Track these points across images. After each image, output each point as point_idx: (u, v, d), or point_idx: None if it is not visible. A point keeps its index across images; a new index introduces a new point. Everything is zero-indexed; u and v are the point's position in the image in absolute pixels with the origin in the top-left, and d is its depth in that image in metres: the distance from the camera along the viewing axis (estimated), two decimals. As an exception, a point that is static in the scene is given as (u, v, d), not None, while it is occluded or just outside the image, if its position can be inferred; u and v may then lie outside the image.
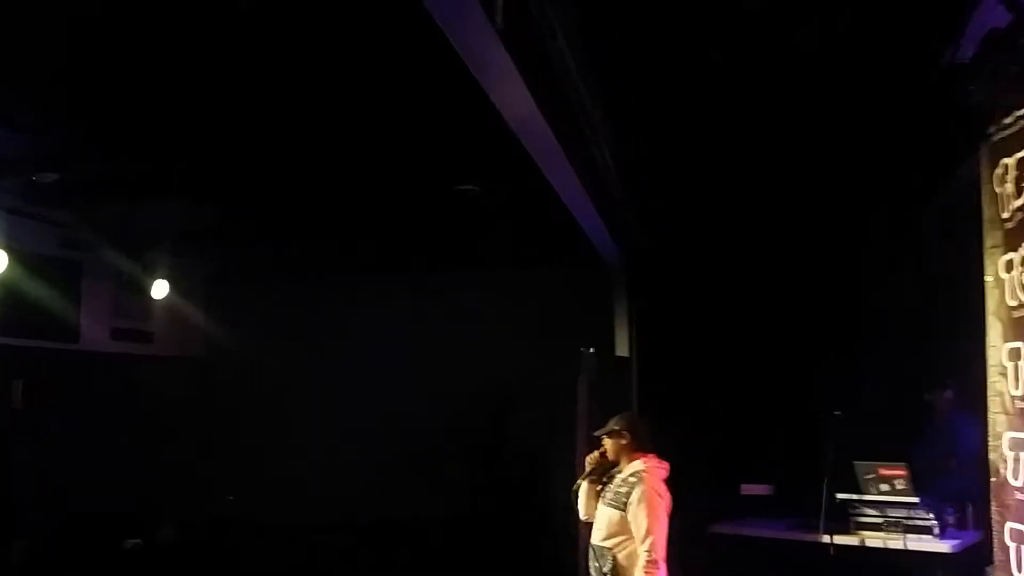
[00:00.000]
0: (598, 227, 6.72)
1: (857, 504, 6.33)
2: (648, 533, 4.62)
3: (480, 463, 8.87)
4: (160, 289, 8.64)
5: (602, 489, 5.01)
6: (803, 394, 7.51)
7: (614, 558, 4.75)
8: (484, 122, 4.72)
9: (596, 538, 4.89)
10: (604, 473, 5.06)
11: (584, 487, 5.10)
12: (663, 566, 4.66)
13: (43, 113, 5.71)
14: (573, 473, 7.23)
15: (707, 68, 5.31)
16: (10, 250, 6.91)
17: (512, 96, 4.05)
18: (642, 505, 4.68)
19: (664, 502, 4.79)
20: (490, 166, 6.66)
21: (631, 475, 4.85)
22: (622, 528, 4.75)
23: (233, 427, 9.23)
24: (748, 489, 7.52)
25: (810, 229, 7.59)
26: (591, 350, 7.55)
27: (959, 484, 6.38)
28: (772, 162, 6.77)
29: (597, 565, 4.83)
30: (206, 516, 8.63)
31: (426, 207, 7.84)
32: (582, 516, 5.15)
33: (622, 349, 8.22)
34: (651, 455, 4.98)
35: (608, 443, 5.02)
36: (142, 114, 5.83)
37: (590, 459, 5.10)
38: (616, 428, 5.03)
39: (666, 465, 4.99)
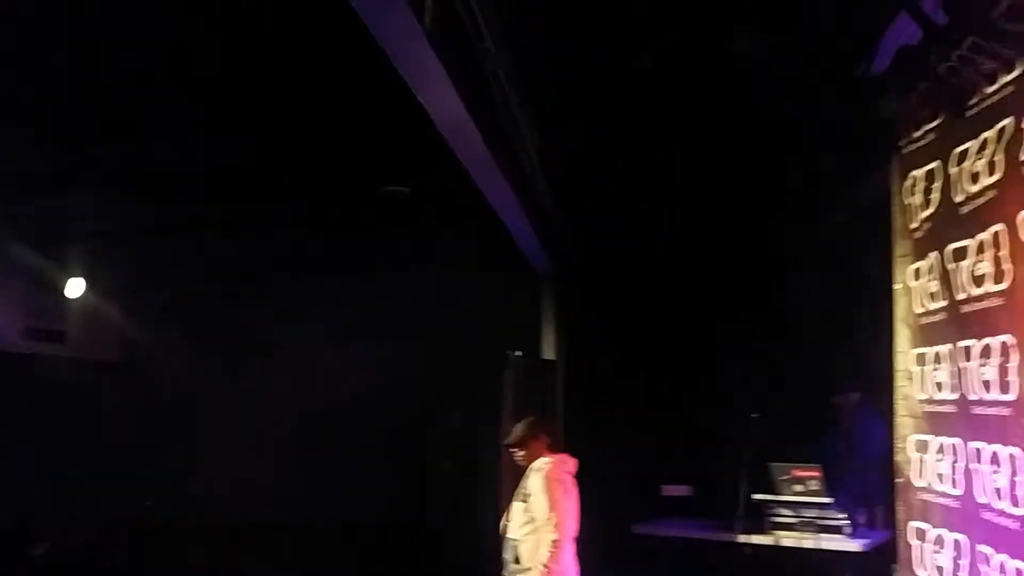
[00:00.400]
0: (527, 232, 6.76)
1: (772, 504, 6.47)
2: (549, 516, 4.83)
3: (405, 465, 8.82)
4: (75, 288, 8.38)
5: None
6: (722, 397, 7.69)
7: (516, 547, 4.95)
8: (414, 124, 4.73)
9: (507, 531, 5.12)
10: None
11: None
12: (567, 548, 4.87)
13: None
14: (496, 475, 7.30)
15: (634, 76, 5.41)
16: (-84, 244, 6.63)
17: (441, 99, 4.06)
18: (540, 492, 4.91)
19: (563, 488, 4.97)
20: (420, 169, 6.65)
21: (535, 471, 5.07)
22: (526, 519, 4.96)
23: (150, 430, 8.99)
24: (668, 490, 7.67)
25: (731, 236, 7.77)
26: (518, 353, 7.60)
27: (866, 485, 6.60)
28: (697, 169, 6.92)
29: (506, 557, 5.02)
30: (119, 521, 8.39)
31: (356, 208, 7.78)
32: (501, 530, 5.32)
33: (548, 352, 8.29)
34: (559, 454, 5.20)
35: (526, 451, 5.21)
36: (60, 106, 5.66)
37: None
38: (526, 433, 5.23)
39: (571, 461, 5.21)
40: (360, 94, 5.47)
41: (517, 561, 4.99)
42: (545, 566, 4.77)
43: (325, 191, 7.49)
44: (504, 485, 7.29)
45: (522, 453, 5.21)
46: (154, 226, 8.19)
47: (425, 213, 7.85)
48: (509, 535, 5.09)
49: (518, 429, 5.30)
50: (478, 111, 4.34)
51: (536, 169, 5.80)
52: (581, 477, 6.81)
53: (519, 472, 5.24)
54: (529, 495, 4.98)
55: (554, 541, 4.79)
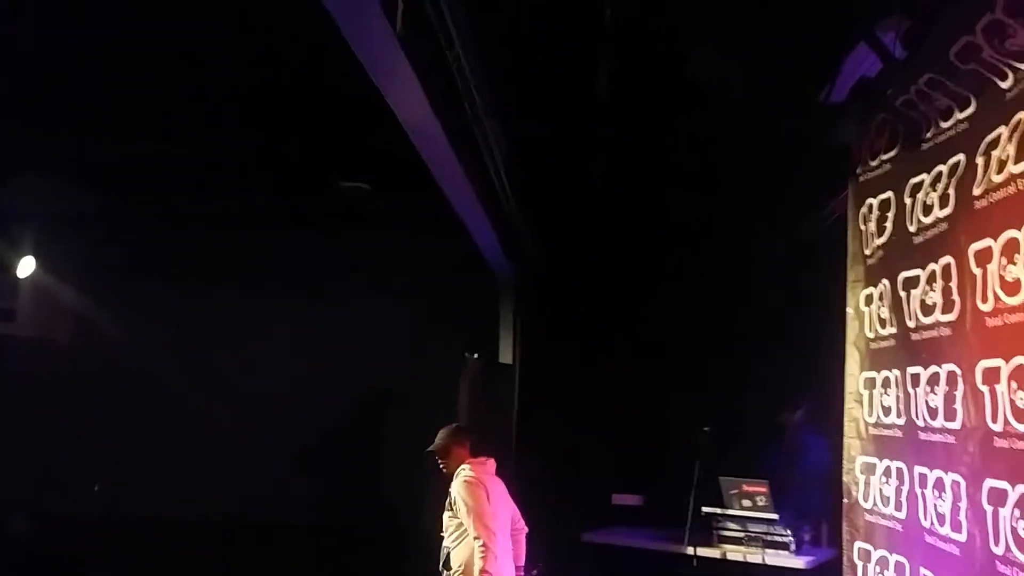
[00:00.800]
0: (488, 235, 6.75)
1: (721, 518, 6.54)
2: (472, 517, 4.82)
3: (359, 466, 8.75)
4: (26, 267, 8.21)
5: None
6: (675, 408, 7.75)
7: (448, 553, 5.01)
8: (377, 120, 4.70)
9: (444, 539, 5.12)
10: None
11: None
12: (502, 546, 4.88)
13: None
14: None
15: (593, 90, 5.45)
16: None
17: (408, 100, 4.05)
18: (460, 497, 4.92)
19: (485, 491, 4.96)
20: (382, 166, 6.62)
21: (456, 477, 5.08)
22: (454, 525, 4.99)
23: (97, 416, 8.82)
24: (619, 499, 7.71)
25: (689, 249, 7.84)
26: (475, 355, 7.60)
27: (810, 502, 6.68)
28: (658, 180, 6.96)
29: (442, 565, 5.08)
30: (64, 507, 8.23)
31: (314, 204, 7.71)
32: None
33: (506, 356, 8.29)
34: (480, 457, 5.21)
35: (447, 458, 5.21)
36: (13, 88, 5.54)
37: None
38: (449, 441, 5.23)
39: (491, 461, 5.24)
40: (323, 89, 5.44)
41: (448, 567, 5.03)
42: (483, 571, 4.73)
43: (286, 185, 7.42)
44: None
45: (444, 460, 5.23)
46: (110, 211, 8.05)
47: (385, 211, 7.81)
48: (445, 543, 5.12)
49: (441, 436, 5.30)
50: (444, 113, 4.33)
51: (499, 172, 5.79)
52: (533, 482, 6.86)
53: (446, 481, 5.22)
54: (454, 502, 5.00)
55: (483, 546, 4.77)
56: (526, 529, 5.53)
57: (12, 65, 5.17)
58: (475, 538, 4.80)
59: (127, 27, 4.74)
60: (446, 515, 5.10)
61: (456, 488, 5.00)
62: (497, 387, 7.93)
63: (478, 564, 4.75)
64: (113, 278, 8.75)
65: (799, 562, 6.21)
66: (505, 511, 5.20)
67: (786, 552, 6.29)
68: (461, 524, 4.94)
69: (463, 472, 5.08)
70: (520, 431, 8.03)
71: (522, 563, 5.48)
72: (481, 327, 8.29)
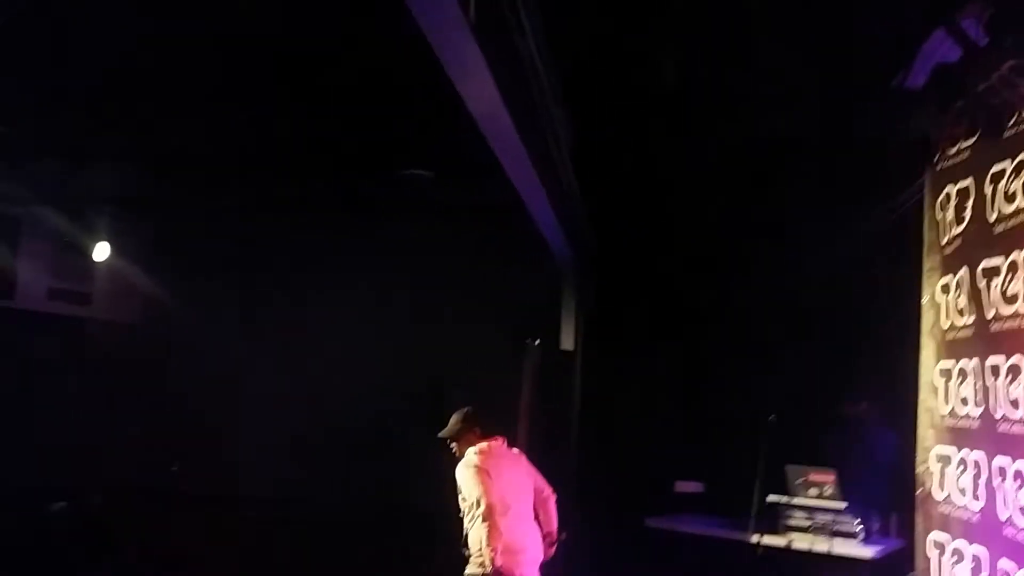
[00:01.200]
0: (551, 222, 6.74)
1: (787, 507, 6.49)
2: (474, 497, 4.91)
3: (420, 453, 8.84)
4: (101, 251, 8.46)
5: None
6: (740, 396, 7.68)
7: (466, 535, 5.07)
8: (448, 110, 4.74)
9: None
10: None
11: None
12: (515, 526, 5.01)
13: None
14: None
15: (661, 78, 5.41)
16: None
17: (478, 89, 4.06)
18: (465, 482, 5.01)
19: (479, 469, 5.01)
20: (447, 153, 6.66)
21: (461, 462, 5.16)
22: (466, 508, 5.06)
23: (167, 395, 9.08)
24: (682, 486, 7.68)
25: (756, 236, 7.74)
26: (536, 342, 7.62)
27: (875, 491, 6.59)
28: (725, 168, 6.89)
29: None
30: (137, 484, 8.48)
31: (377, 191, 7.79)
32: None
33: (567, 343, 8.28)
34: (489, 440, 5.27)
35: (460, 442, 5.29)
36: (88, 70, 5.69)
37: None
38: (462, 426, 5.30)
39: (497, 440, 5.28)
40: (390, 76, 5.49)
41: (466, 547, 5.11)
42: (489, 547, 4.85)
43: (350, 171, 7.51)
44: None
45: (456, 445, 5.30)
46: (180, 195, 8.25)
47: (449, 198, 7.86)
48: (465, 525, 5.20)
49: (453, 421, 5.37)
50: (513, 102, 4.33)
51: (564, 158, 5.79)
52: (595, 469, 6.85)
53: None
54: (460, 484, 5.09)
55: (487, 524, 4.86)
56: (553, 495, 5.58)
57: (84, 54, 5.32)
58: (482, 519, 4.88)
59: (194, 13, 4.82)
60: (459, 498, 5.16)
61: (459, 474, 5.08)
62: (558, 374, 7.95)
63: (484, 540, 4.87)
64: (182, 261, 8.97)
65: (867, 552, 6.13)
66: (515, 485, 5.25)
67: (854, 541, 6.22)
68: (470, 507, 5.03)
69: (466, 456, 5.16)
70: (582, 418, 8.04)
71: (554, 527, 5.55)
72: (542, 315, 8.29)
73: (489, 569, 4.89)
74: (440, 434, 5.36)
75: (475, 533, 4.99)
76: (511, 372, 7.39)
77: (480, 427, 5.33)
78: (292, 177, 7.60)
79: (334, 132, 6.59)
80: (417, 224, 8.26)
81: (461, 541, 5.16)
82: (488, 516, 4.86)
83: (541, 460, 7.45)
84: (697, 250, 8.00)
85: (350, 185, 7.68)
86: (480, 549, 4.92)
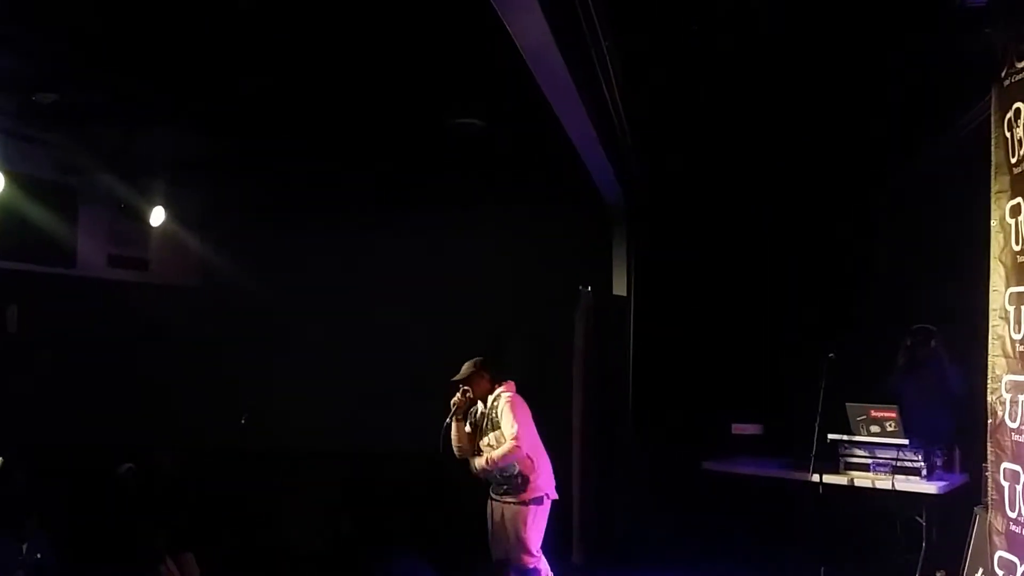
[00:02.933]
0: (603, 165, 6.68)
1: (847, 445, 6.44)
2: (515, 429, 5.50)
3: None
4: (157, 216, 8.58)
5: (473, 430, 5.83)
6: (796, 334, 7.60)
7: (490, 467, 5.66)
8: (494, 53, 4.69)
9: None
10: (467, 413, 5.87)
11: (454, 426, 5.86)
12: (525, 451, 5.55)
13: (44, 33, 5.59)
14: (567, 409, 7.34)
15: (714, 11, 5.28)
16: (6, 173, 6.81)
17: (528, 24, 3.99)
18: (505, 411, 5.60)
19: (523, 405, 5.72)
20: (497, 99, 6.60)
21: (494, 400, 5.71)
22: (501, 442, 5.60)
23: (229, 356, 9.23)
24: (739, 428, 7.65)
25: (811, 171, 7.58)
26: (588, 288, 7.58)
27: (943, 427, 6.50)
28: (775, 101, 6.73)
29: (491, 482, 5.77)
30: (201, 443, 8.67)
31: (427, 140, 7.78)
32: (457, 455, 5.89)
33: (620, 288, 8.24)
34: (507, 382, 5.81)
35: (475, 382, 5.77)
36: (143, 36, 5.73)
37: (455, 401, 5.83)
38: (474, 371, 5.78)
39: (508, 385, 5.81)
40: (434, 25, 5.44)
41: (497, 481, 5.75)
42: (494, 460, 5.58)
43: (398, 124, 7.49)
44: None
45: (471, 388, 5.77)
46: (232, 156, 8.32)
47: (498, 147, 7.82)
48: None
49: (466, 367, 5.81)
50: (564, 39, 4.26)
51: (615, 97, 5.70)
52: (652, 413, 6.86)
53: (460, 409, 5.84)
54: (497, 420, 5.63)
55: (515, 447, 5.48)
56: None
57: (132, 16, 5.35)
58: (516, 445, 5.48)
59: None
60: (492, 433, 5.67)
61: (501, 405, 5.63)
62: (612, 319, 7.91)
63: (518, 462, 5.55)
64: (236, 222, 9.07)
65: (931, 487, 6.08)
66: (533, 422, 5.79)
67: (917, 478, 6.16)
68: (501, 437, 5.59)
69: (503, 395, 5.68)
70: (636, 362, 8.02)
71: None
72: (594, 259, 8.25)
73: (539, 493, 5.63)
74: (453, 379, 5.80)
75: (515, 463, 5.56)
76: (565, 319, 7.36)
77: (491, 373, 5.80)
78: (344, 133, 7.60)
79: (386, 84, 6.56)
80: (468, 174, 8.24)
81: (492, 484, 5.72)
82: (519, 441, 5.48)
83: (597, 406, 7.51)
84: (752, 187, 7.87)
85: (401, 137, 7.66)
86: (517, 474, 5.57)
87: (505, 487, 5.70)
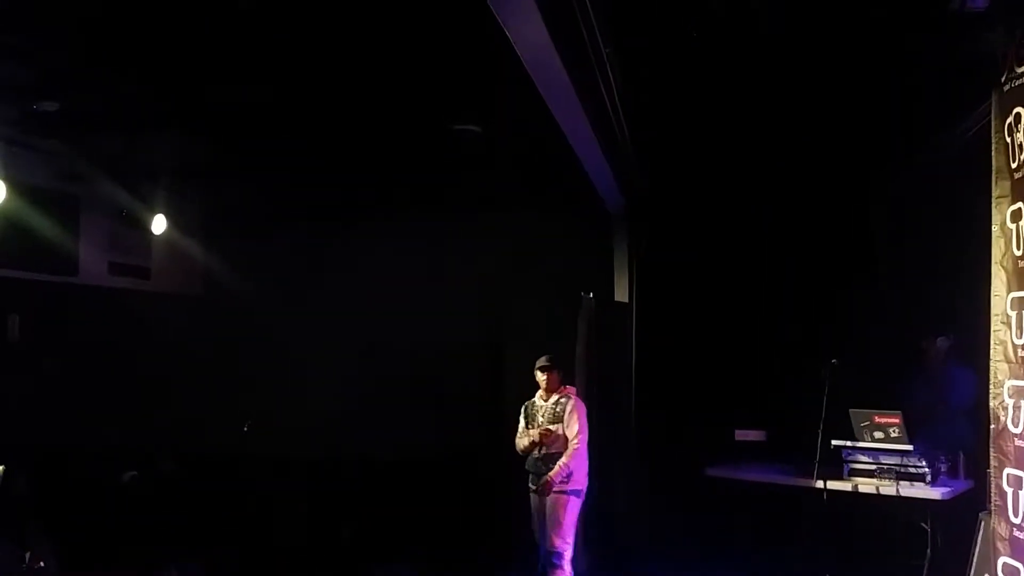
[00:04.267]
0: (603, 170, 6.67)
1: (851, 451, 6.42)
2: (579, 431, 6.23)
3: (475, 405, 8.92)
4: (159, 224, 8.58)
5: (526, 420, 6.48)
6: (799, 341, 7.57)
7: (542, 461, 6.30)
8: (495, 59, 4.69)
9: (538, 454, 6.35)
10: (525, 406, 6.58)
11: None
12: (585, 452, 6.27)
13: (46, 41, 5.61)
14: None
15: (710, 13, 5.27)
16: (8, 181, 6.82)
17: (528, 30, 3.98)
18: (573, 413, 6.29)
19: (584, 409, 6.40)
20: (496, 105, 6.60)
21: (561, 398, 6.38)
22: (559, 435, 6.29)
23: (230, 364, 9.23)
24: (742, 435, 7.62)
25: (812, 178, 7.57)
26: (590, 295, 7.57)
27: (950, 433, 6.47)
28: (777, 105, 6.72)
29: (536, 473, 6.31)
30: (204, 449, 8.66)
31: (428, 145, 7.78)
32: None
33: (621, 295, 8.22)
34: (571, 386, 6.59)
35: (551, 374, 6.38)
36: (145, 44, 5.74)
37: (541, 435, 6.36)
38: (552, 365, 6.43)
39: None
40: (434, 31, 5.44)
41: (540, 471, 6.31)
42: (567, 465, 6.19)
43: (397, 130, 7.50)
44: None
45: (547, 377, 6.38)
46: (232, 164, 8.33)
47: (499, 152, 7.81)
48: (542, 452, 6.32)
49: (552, 360, 6.46)
50: (562, 41, 4.26)
51: (615, 102, 5.69)
52: (655, 419, 6.89)
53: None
54: (566, 417, 6.29)
55: (577, 450, 6.21)
56: None
57: (132, 24, 5.36)
58: (576, 447, 6.21)
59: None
60: (554, 427, 6.28)
61: (570, 407, 6.30)
62: (614, 325, 7.89)
63: (572, 460, 6.21)
64: (237, 229, 9.07)
65: (935, 493, 6.05)
66: None
67: (921, 483, 6.14)
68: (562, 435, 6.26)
69: (572, 398, 6.39)
70: (639, 369, 8.00)
71: None
72: (596, 266, 8.24)
73: (578, 486, 6.25)
74: (544, 362, 6.40)
75: (572, 459, 6.20)
76: (567, 324, 7.36)
77: (561, 372, 6.49)
78: (345, 140, 7.61)
79: (383, 91, 6.56)
80: (469, 180, 8.24)
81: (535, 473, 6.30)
82: (580, 444, 6.22)
83: (600, 412, 7.48)
84: (753, 192, 7.85)
85: (401, 144, 7.66)
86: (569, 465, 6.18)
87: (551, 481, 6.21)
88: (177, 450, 8.49)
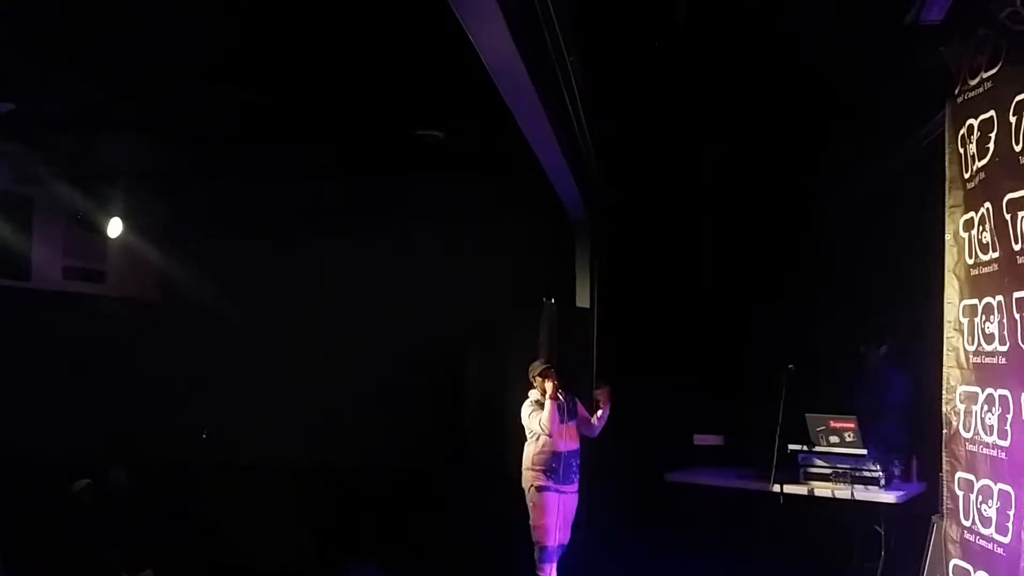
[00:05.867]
0: (565, 178, 6.71)
1: (807, 455, 6.51)
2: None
3: (436, 410, 8.91)
4: (114, 228, 8.43)
5: (561, 413, 6.52)
6: (756, 347, 7.69)
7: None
8: (457, 65, 4.70)
9: (568, 447, 6.55)
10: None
11: (551, 407, 6.46)
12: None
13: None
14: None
15: (672, 25, 5.35)
16: (-41, 183, 6.68)
17: (492, 36, 4.00)
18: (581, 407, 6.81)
19: None
20: (459, 111, 6.62)
21: (568, 397, 6.62)
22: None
23: (188, 370, 9.10)
24: (701, 439, 7.71)
25: (769, 185, 7.70)
26: (552, 300, 7.60)
27: (895, 436, 6.60)
28: (737, 117, 6.83)
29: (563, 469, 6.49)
30: (159, 459, 8.53)
31: (391, 150, 7.76)
32: (553, 432, 6.47)
33: (583, 300, 8.27)
34: None
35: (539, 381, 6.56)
36: (103, 45, 5.66)
37: (555, 385, 6.52)
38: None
39: None
40: (396, 36, 5.44)
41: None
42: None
43: (359, 135, 7.48)
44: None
45: (543, 380, 6.55)
46: (191, 167, 8.23)
47: (460, 158, 7.83)
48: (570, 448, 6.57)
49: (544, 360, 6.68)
50: (527, 49, 4.28)
51: (578, 111, 5.74)
52: (615, 424, 6.95)
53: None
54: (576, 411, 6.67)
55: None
56: None
57: (94, 19, 5.28)
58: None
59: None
60: (571, 423, 6.56)
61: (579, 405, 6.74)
62: (575, 331, 7.94)
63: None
64: (195, 234, 8.96)
65: (889, 497, 6.17)
66: None
67: (876, 487, 6.26)
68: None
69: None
70: (599, 374, 8.05)
71: None
72: (558, 272, 8.28)
73: None
74: (549, 367, 6.58)
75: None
76: (527, 330, 7.38)
77: None
78: (304, 143, 7.56)
79: (345, 95, 6.54)
80: (429, 185, 8.23)
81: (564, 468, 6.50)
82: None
83: (559, 417, 7.50)
84: (712, 199, 7.97)
85: (361, 148, 7.64)
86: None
87: (577, 475, 6.58)
88: (132, 458, 8.34)
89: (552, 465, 6.46)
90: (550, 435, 6.46)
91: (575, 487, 6.62)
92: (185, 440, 8.57)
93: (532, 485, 6.51)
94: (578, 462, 6.60)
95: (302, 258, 9.11)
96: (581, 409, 6.78)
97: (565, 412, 6.56)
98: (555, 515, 6.48)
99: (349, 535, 8.14)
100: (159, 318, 9.32)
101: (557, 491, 6.48)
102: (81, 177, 8.01)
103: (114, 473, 8.23)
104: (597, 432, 6.82)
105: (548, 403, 6.46)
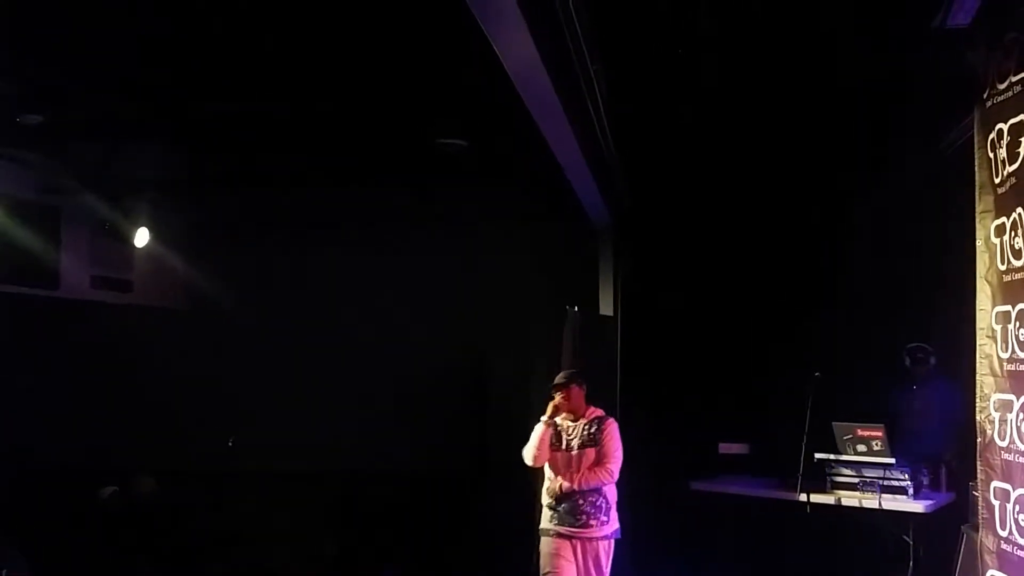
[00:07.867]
0: (589, 185, 6.69)
1: (834, 464, 6.44)
2: (614, 458, 5.46)
3: (460, 418, 8.91)
4: (141, 237, 8.51)
5: (557, 440, 5.58)
6: (783, 355, 7.61)
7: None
8: (481, 73, 4.71)
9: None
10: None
11: (544, 430, 5.57)
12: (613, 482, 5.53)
13: (27, 53, 5.57)
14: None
15: (699, 34, 5.34)
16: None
17: (515, 44, 3.99)
18: (612, 437, 5.51)
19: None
20: (483, 119, 6.63)
21: (595, 419, 5.59)
22: (596, 461, 5.47)
23: (214, 378, 9.16)
24: (726, 448, 7.64)
25: (795, 192, 7.64)
26: (575, 308, 7.58)
27: (932, 446, 6.51)
28: (759, 125, 6.80)
29: (568, 506, 5.45)
30: (185, 466, 8.58)
31: (416, 158, 7.79)
32: (536, 462, 5.60)
33: (606, 308, 8.24)
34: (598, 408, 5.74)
35: (574, 392, 5.59)
36: (128, 56, 5.72)
37: (556, 403, 5.60)
38: (574, 383, 5.64)
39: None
40: (420, 45, 5.46)
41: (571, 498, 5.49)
42: (588, 481, 5.43)
43: (386, 144, 7.51)
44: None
45: (569, 398, 5.58)
46: (216, 176, 8.30)
47: (484, 166, 7.84)
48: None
49: (566, 376, 5.72)
50: (550, 56, 4.27)
51: (601, 118, 5.72)
52: (639, 432, 6.89)
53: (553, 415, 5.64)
54: (600, 439, 5.49)
55: (609, 478, 5.45)
56: None
57: (113, 32, 5.34)
58: (610, 472, 5.43)
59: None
60: (585, 450, 5.47)
61: (608, 432, 5.50)
62: (599, 339, 7.91)
63: (595, 482, 5.42)
64: (221, 242, 9.02)
65: (918, 506, 6.08)
66: None
67: (904, 496, 6.16)
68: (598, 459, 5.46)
69: (609, 419, 5.61)
70: (624, 382, 8.01)
71: None
72: (581, 280, 8.26)
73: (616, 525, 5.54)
74: (560, 378, 5.68)
75: (598, 477, 5.44)
76: (551, 338, 7.36)
77: (586, 389, 5.70)
78: (329, 149, 7.61)
79: (373, 103, 6.58)
80: (453, 193, 8.25)
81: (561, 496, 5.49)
82: (616, 470, 5.47)
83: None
84: (738, 205, 7.90)
85: (387, 157, 7.67)
86: (604, 496, 5.47)
87: (587, 514, 5.41)
88: (159, 466, 8.40)
89: (552, 502, 5.51)
90: (532, 464, 5.58)
91: (596, 531, 5.44)
92: (211, 447, 8.61)
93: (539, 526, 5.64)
94: (599, 500, 5.45)
95: (327, 265, 9.15)
96: (602, 448, 5.48)
97: (564, 441, 5.54)
98: (555, 566, 5.41)
99: (374, 543, 8.13)
100: (186, 325, 9.39)
101: (559, 535, 5.44)
102: (108, 187, 8.10)
103: (141, 479, 8.29)
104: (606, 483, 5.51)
105: (539, 426, 5.55)
